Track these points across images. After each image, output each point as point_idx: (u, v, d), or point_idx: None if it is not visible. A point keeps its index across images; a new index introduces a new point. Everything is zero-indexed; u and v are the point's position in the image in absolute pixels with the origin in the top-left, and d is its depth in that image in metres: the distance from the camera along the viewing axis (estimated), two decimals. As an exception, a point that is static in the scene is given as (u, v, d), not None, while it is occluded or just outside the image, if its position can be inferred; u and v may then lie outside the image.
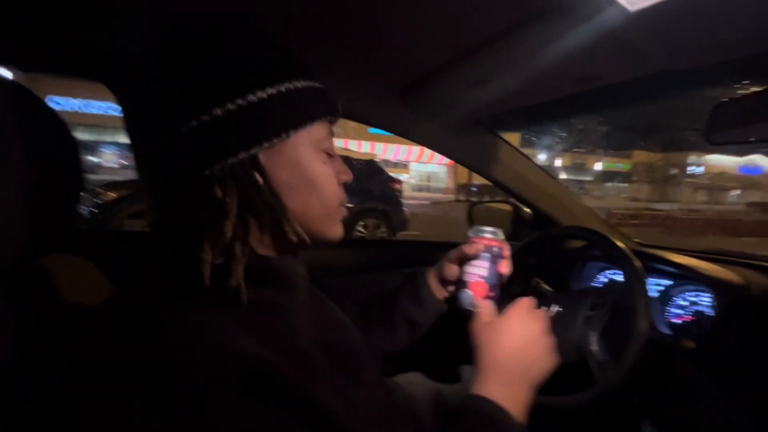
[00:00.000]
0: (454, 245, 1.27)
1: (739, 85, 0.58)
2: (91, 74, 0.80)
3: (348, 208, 0.51)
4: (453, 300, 0.66)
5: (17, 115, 0.40)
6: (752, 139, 0.53)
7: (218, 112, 0.37)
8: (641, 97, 0.66)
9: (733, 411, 0.74)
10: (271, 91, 0.39)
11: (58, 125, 0.45)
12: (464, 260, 0.63)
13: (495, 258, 0.61)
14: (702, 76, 0.54)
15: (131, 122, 0.41)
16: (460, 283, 0.62)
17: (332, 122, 0.45)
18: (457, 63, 0.64)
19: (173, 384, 0.31)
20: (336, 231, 0.46)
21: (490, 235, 0.62)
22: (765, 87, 0.54)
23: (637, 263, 0.72)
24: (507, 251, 0.63)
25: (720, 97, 0.56)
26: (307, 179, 0.42)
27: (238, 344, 0.33)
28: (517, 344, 0.50)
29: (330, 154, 0.45)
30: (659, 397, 0.82)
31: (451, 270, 0.65)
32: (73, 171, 0.47)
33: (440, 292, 0.67)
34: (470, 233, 0.64)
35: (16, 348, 0.41)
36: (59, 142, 0.45)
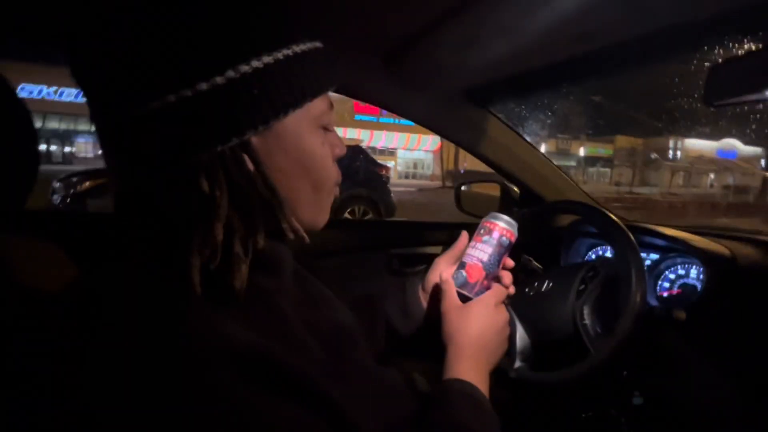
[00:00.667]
0: (442, 226, 1.26)
1: (738, 47, 0.56)
2: (45, 34, 0.73)
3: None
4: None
5: None
6: (752, 99, 0.51)
7: (204, 86, 0.29)
8: (638, 58, 0.63)
9: (720, 381, 0.75)
10: (268, 59, 0.31)
11: (19, 110, 0.42)
12: (456, 261, 0.60)
13: (501, 248, 0.57)
14: (703, 32, 0.52)
15: (91, 88, 0.33)
16: (459, 264, 0.59)
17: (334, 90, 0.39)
18: (442, 24, 0.60)
19: (169, 375, 0.27)
20: (324, 218, 0.42)
21: (503, 224, 0.58)
22: (764, 45, 0.52)
23: (630, 234, 0.71)
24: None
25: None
26: (302, 163, 0.36)
27: (232, 332, 0.30)
28: (486, 332, 0.52)
29: (327, 129, 0.39)
30: (647, 369, 0.82)
31: (437, 276, 0.60)
32: (24, 150, 0.44)
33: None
34: (485, 218, 0.60)
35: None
36: (15, 125, 0.42)
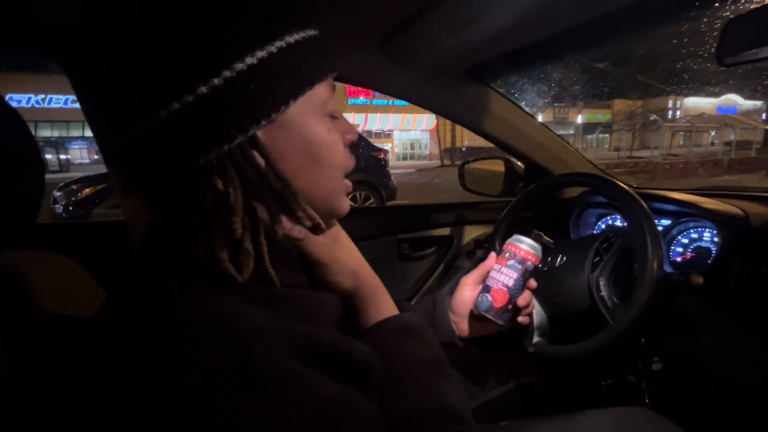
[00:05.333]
0: (448, 207, 1.25)
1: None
2: (44, 49, 0.71)
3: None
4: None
5: None
6: (767, 55, 0.50)
7: (203, 89, 0.30)
8: (647, 21, 0.60)
9: (739, 341, 0.75)
10: (261, 54, 0.32)
11: (13, 119, 0.41)
12: (481, 281, 0.60)
13: (526, 272, 0.57)
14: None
15: (92, 106, 0.35)
16: (483, 287, 0.59)
17: (334, 76, 0.39)
18: (441, 3, 0.58)
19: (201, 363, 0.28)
20: (344, 205, 0.43)
21: (527, 247, 0.58)
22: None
23: (644, 202, 0.70)
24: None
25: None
26: (313, 153, 0.37)
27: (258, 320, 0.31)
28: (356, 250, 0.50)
29: (334, 116, 0.40)
30: (666, 335, 0.82)
31: (465, 297, 0.61)
32: (31, 167, 0.42)
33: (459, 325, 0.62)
34: (509, 240, 0.60)
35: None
36: (13, 136, 0.41)
